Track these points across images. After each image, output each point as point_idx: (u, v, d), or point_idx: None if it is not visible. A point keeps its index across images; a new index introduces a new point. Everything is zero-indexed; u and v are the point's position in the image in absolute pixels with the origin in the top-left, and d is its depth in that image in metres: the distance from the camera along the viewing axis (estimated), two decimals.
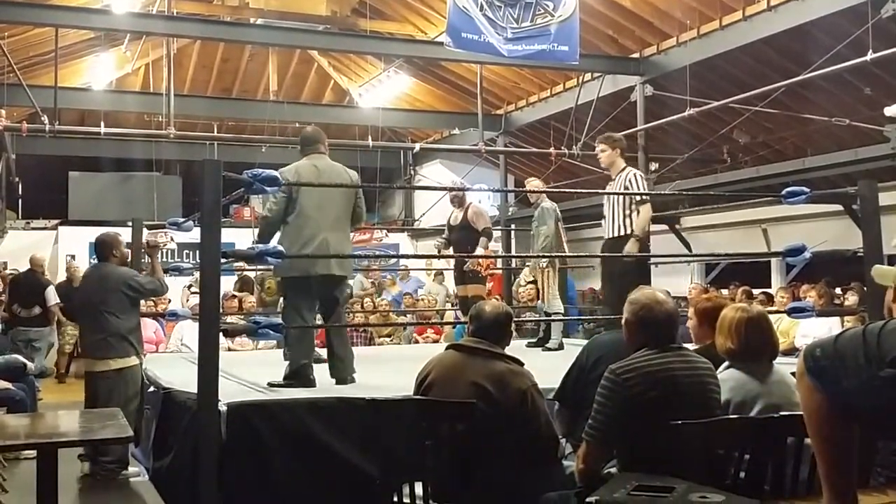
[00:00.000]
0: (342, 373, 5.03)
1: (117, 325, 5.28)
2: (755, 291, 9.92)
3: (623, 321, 3.19)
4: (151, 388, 5.53)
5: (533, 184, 7.84)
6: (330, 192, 5.01)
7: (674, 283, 11.25)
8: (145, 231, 6.52)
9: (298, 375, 4.89)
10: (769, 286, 11.13)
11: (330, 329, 5.24)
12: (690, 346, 3.50)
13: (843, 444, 1.93)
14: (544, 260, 7.14)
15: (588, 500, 2.36)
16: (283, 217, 4.96)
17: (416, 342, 9.94)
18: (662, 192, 10.51)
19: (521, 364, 3.49)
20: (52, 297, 9.68)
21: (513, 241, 10.44)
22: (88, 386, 5.43)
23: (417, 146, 13.94)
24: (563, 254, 7.44)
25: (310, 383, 4.85)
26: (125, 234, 6.35)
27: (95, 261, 6.11)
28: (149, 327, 8.41)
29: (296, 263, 4.91)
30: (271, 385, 4.82)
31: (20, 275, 10.02)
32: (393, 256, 13.85)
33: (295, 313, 5.06)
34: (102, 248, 5.55)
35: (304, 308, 5.08)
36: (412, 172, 16.62)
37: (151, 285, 5.47)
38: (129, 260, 5.98)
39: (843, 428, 1.91)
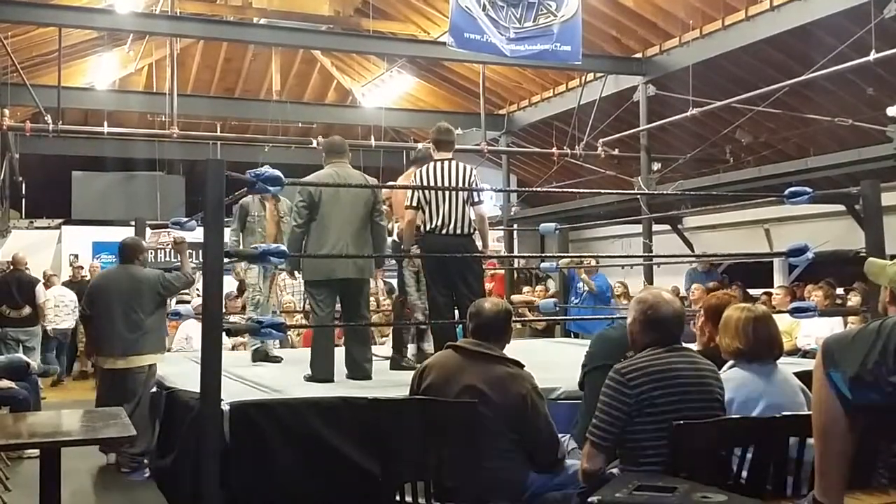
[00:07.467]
0: (353, 371, 5.19)
1: (151, 322, 5.67)
2: (758, 292, 9.90)
3: (629, 320, 3.18)
4: (154, 388, 5.55)
5: None
6: (348, 199, 5.16)
7: (676, 283, 11.26)
8: (179, 230, 6.63)
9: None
10: (771, 286, 11.13)
11: (346, 330, 5.42)
12: (693, 347, 3.50)
13: (845, 436, 1.94)
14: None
15: (590, 499, 2.35)
16: (309, 224, 5.15)
17: None
18: (665, 192, 10.52)
19: (522, 366, 3.48)
20: (42, 294, 9.58)
21: (515, 241, 10.44)
22: (114, 382, 5.59)
23: (420, 146, 13.92)
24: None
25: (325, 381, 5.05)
26: (127, 234, 6.62)
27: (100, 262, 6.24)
28: None
29: (318, 267, 5.14)
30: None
31: (6, 275, 9.67)
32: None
33: (315, 315, 5.29)
34: (128, 252, 5.90)
35: (324, 310, 5.22)
36: None
37: (179, 281, 5.86)
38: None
39: (847, 421, 1.92)
